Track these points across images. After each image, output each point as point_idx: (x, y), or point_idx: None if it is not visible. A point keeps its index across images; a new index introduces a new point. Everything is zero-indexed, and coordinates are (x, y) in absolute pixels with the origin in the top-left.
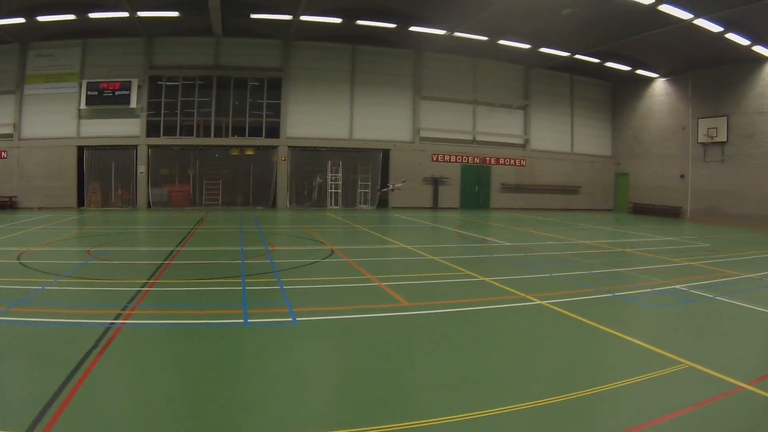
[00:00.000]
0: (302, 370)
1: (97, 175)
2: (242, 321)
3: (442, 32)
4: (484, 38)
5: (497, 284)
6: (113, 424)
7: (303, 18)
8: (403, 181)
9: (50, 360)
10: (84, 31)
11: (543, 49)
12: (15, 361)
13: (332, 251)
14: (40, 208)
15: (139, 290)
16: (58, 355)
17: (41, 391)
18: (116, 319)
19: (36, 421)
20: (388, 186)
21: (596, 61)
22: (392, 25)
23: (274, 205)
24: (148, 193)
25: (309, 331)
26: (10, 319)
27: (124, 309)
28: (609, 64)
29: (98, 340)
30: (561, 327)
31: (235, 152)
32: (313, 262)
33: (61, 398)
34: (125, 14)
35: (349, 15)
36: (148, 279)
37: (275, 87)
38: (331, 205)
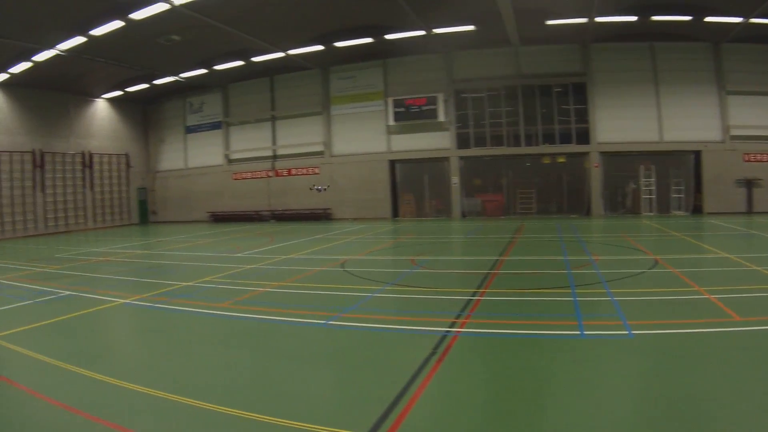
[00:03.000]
0: (640, 386)
1: (410, 186)
2: (578, 333)
3: (738, 20)
4: None
5: None
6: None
7: (597, 19)
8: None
9: (389, 365)
10: (382, 51)
11: None
12: (354, 365)
13: (656, 261)
14: (354, 219)
15: (470, 299)
16: (396, 360)
17: (383, 394)
18: (451, 327)
19: (379, 422)
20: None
21: None
22: (687, 18)
23: (588, 212)
24: (462, 203)
25: (645, 345)
26: (344, 324)
27: (457, 317)
28: None
29: (435, 348)
30: None
31: (546, 160)
32: (639, 273)
33: (403, 403)
34: (422, 33)
35: (643, 11)
36: (477, 288)
37: (580, 92)
38: (645, 211)
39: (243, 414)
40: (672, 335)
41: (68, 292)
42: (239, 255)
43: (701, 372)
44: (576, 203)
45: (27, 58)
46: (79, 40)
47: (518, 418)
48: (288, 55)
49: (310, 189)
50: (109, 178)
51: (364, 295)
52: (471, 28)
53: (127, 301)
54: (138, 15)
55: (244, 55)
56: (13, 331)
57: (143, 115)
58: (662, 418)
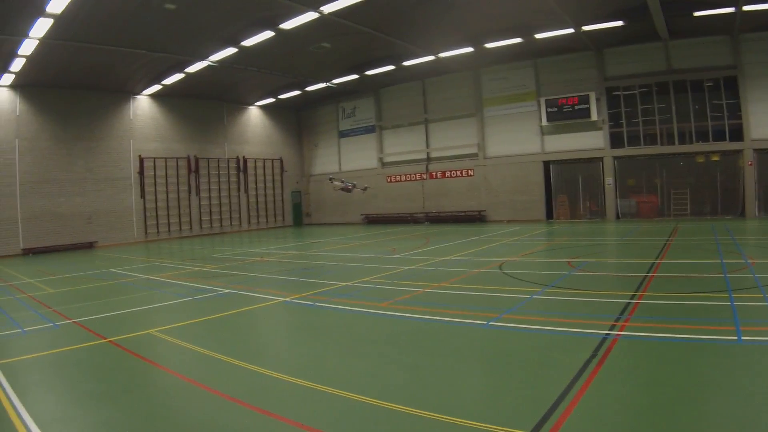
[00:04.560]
0: None
1: (564, 188)
2: (736, 338)
3: None
4: None
5: None
6: None
7: (745, 8)
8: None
9: (550, 366)
10: (532, 51)
11: None
12: (516, 365)
13: None
14: (508, 221)
15: (629, 302)
16: (556, 362)
17: (544, 395)
18: (610, 330)
19: (541, 422)
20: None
21: None
22: None
23: (742, 213)
24: (616, 205)
25: None
26: (505, 324)
27: (616, 320)
28: None
29: (596, 351)
30: None
31: (700, 159)
32: None
33: (565, 404)
34: (570, 30)
35: None
36: (635, 291)
37: (731, 86)
38: None
39: (406, 409)
40: None
41: (227, 290)
42: (396, 256)
43: None
44: (730, 204)
45: (180, 70)
46: (230, 51)
47: (680, 423)
48: (438, 58)
49: (329, 180)
50: (264, 182)
51: (524, 297)
52: (619, 23)
53: (287, 299)
54: (288, 25)
55: (394, 59)
56: (176, 325)
57: (296, 120)
58: None
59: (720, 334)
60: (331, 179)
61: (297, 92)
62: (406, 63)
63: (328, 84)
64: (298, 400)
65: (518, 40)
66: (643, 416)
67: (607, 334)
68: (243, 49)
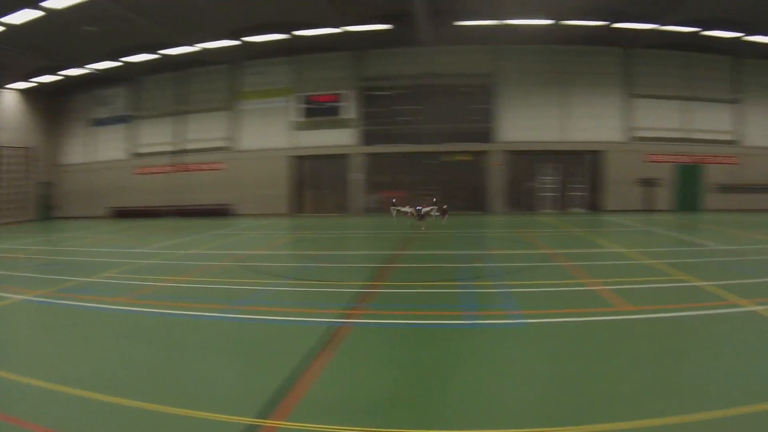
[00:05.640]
0: (522, 371)
1: (315, 182)
2: (465, 322)
3: (649, 26)
4: (692, 29)
5: (712, 290)
6: (344, 415)
7: (509, 21)
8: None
9: (285, 354)
10: (295, 48)
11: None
12: (251, 355)
13: (548, 255)
14: (256, 215)
15: (363, 291)
16: (292, 349)
17: (278, 381)
18: (342, 318)
19: (271, 406)
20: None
21: None
22: (599, 23)
23: (489, 209)
24: (363, 200)
25: (529, 333)
26: (243, 316)
27: (349, 309)
28: None
29: (326, 337)
30: None
31: (450, 158)
32: (531, 266)
33: (296, 389)
34: (334, 30)
35: (555, 16)
36: (371, 281)
37: (486, 92)
38: (544, 208)
39: (142, 405)
40: (558, 324)
41: None
42: (140, 250)
43: (581, 357)
44: (477, 200)
45: None
46: None
47: (414, 402)
48: (200, 50)
49: (393, 206)
50: (11, 173)
51: (263, 289)
52: (383, 27)
53: (27, 297)
54: (51, 4)
55: (156, 48)
56: None
57: (49, 107)
58: (553, 400)
59: (451, 318)
60: (393, 204)
61: (53, 77)
62: (168, 52)
63: (85, 69)
64: (38, 402)
65: (282, 36)
66: (373, 398)
67: (338, 322)
68: (6, 27)
